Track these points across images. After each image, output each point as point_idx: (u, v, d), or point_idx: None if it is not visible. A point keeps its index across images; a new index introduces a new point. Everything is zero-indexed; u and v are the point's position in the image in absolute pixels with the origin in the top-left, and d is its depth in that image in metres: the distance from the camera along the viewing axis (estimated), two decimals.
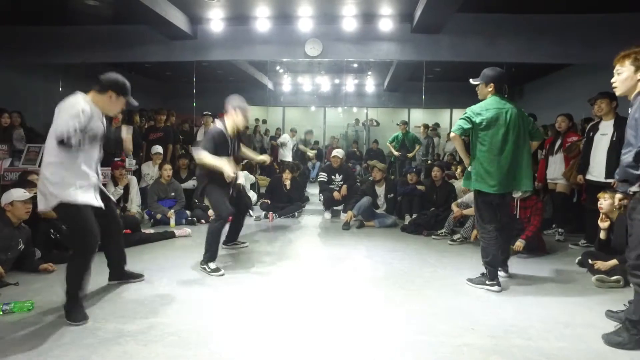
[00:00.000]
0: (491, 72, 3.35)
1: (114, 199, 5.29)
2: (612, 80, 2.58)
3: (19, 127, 6.80)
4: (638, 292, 2.40)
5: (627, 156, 2.38)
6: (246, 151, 4.31)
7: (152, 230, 4.98)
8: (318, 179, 6.60)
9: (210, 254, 3.68)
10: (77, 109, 2.61)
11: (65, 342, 2.36)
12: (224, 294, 3.15)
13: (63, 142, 2.51)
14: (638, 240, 2.39)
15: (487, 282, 3.31)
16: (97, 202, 2.84)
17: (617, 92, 2.58)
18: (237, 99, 3.89)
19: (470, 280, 3.44)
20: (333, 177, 6.40)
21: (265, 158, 4.53)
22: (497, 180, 3.22)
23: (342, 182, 6.34)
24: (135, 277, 3.37)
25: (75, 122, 2.56)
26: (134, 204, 5.72)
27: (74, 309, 2.66)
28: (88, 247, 2.73)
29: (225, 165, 3.57)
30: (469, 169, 3.38)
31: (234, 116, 3.83)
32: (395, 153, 8.73)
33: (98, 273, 3.54)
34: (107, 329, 2.53)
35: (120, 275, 3.30)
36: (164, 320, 2.67)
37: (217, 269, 3.61)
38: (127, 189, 5.66)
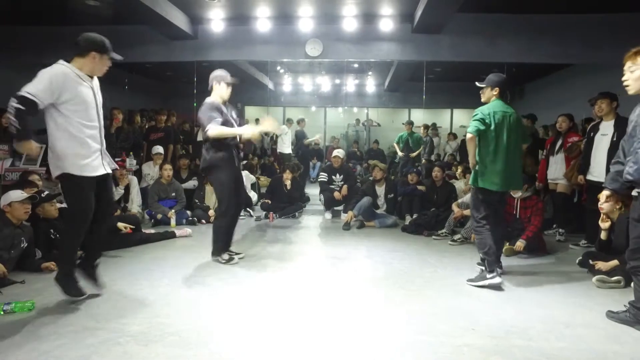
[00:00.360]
0: (497, 77, 3.53)
1: (114, 198, 5.35)
2: (624, 78, 2.48)
3: None
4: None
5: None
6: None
7: (152, 231, 4.98)
8: (318, 179, 6.61)
9: (220, 245, 3.80)
10: (44, 76, 2.62)
11: (66, 342, 2.36)
12: (224, 294, 3.15)
13: (17, 100, 2.52)
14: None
15: (487, 276, 3.34)
16: (99, 170, 2.82)
17: (630, 91, 2.48)
18: (219, 72, 3.89)
19: (470, 280, 3.45)
20: (333, 177, 6.40)
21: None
22: (501, 178, 3.37)
23: (342, 183, 6.34)
24: (98, 284, 3.01)
25: (35, 86, 2.57)
26: (135, 204, 5.73)
27: (69, 284, 2.79)
28: (78, 218, 2.77)
29: (244, 129, 3.68)
30: (476, 168, 3.44)
31: (219, 89, 3.83)
32: (400, 153, 8.78)
33: (102, 274, 3.56)
34: (108, 328, 2.53)
35: (87, 270, 2.99)
36: (164, 320, 2.67)
37: (231, 259, 3.78)
38: (127, 189, 5.67)
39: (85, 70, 2.81)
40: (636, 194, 2.53)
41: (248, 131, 3.72)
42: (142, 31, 7.39)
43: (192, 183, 6.33)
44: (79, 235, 2.82)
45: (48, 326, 2.55)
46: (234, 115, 3.93)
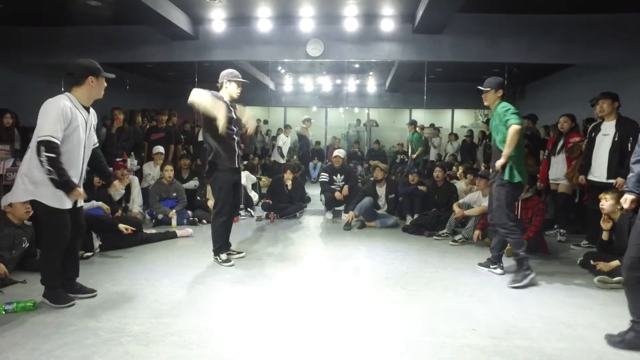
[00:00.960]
0: (499, 80, 3.63)
1: (115, 199, 5.37)
2: None
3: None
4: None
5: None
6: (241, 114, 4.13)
7: (153, 231, 4.98)
8: (319, 180, 6.61)
9: (219, 245, 3.85)
10: (53, 113, 2.62)
11: (67, 341, 2.37)
12: (225, 294, 3.16)
13: (44, 148, 2.57)
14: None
15: (529, 275, 3.39)
16: (70, 204, 2.81)
17: None
18: (231, 70, 3.92)
19: (515, 282, 3.39)
20: (334, 177, 6.40)
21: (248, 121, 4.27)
22: (525, 173, 3.59)
23: (343, 183, 6.34)
24: (87, 292, 3.05)
25: (52, 127, 2.60)
26: (136, 204, 5.73)
27: (56, 295, 2.82)
28: (55, 245, 2.81)
29: (221, 109, 3.52)
30: (509, 163, 3.45)
31: (230, 87, 3.87)
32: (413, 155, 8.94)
33: (102, 274, 3.56)
34: (109, 328, 2.54)
35: (69, 288, 2.98)
36: (166, 320, 2.67)
37: (227, 260, 3.81)
38: (128, 189, 5.67)
39: (84, 98, 2.82)
40: None
41: (221, 112, 3.53)
42: (143, 31, 7.39)
43: (193, 183, 6.33)
44: (56, 258, 2.83)
45: (50, 326, 2.55)
46: (237, 116, 3.96)
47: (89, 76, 2.79)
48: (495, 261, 3.81)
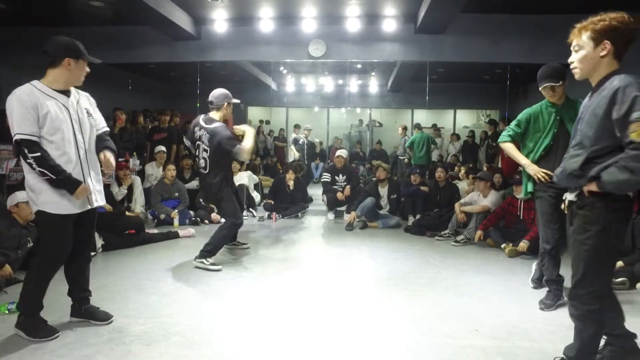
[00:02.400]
0: (561, 67, 3.03)
1: (117, 198, 5.38)
2: (570, 59, 2.11)
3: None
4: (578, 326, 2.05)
5: (573, 161, 1.88)
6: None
7: (155, 231, 4.99)
8: (321, 180, 6.61)
9: (211, 251, 3.72)
10: (12, 104, 2.26)
11: (71, 341, 2.38)
12: (227, 295, 3.16)
13: (26, 149, 2.25)
14: (579, 263, 1.93)
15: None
16: (84, 206, 2.44)
17: (577, 75, 2.02)
18: (227, 93, 3.92)
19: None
20: (336, 177, 6.40)
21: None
22: None
23: (345, 183, 6.34)
24: (101, 319, 2.62)
25: (18, 124, 2.24)
26: (138, 204, 5.74)
27: (34, 326, 2.40)
28: (49, 259, 2.43)
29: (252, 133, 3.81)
30: None
31: (225, 110, 3.90)
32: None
33: (105, 274, 3.57)
34: (111, 328, 2.54)
35: (78, 311, 2.65)
36: (168, 320, 2.67)
37: (215, 264, 3.69)
38: (131, 189, 5.69)
39: (59, 83, 2.39)
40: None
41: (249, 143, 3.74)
42: (145, 32, 7.41)
43: (195, 183, 6.34)
44: (47, 278, 2.45)
45: (53, 324, 2.55)
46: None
47: (65, 57, 2.35)
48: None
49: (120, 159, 6.06)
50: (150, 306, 2.89)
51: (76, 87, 2.52)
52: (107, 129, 2.70)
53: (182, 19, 6.89)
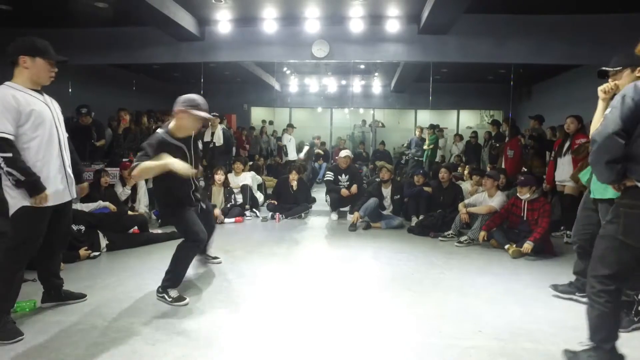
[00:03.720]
0: (630, 53, 2.37)
1: (121, 199, 5.40)
2: None
3: None
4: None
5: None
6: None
7: (159, 231, 5.01)
8: (325, 179, 6.60)
9: (173, 280, 3.00)
10: (7, 106, 2.30)
11: (75, 340, 2.39)
12: (231, 295, 3.17)
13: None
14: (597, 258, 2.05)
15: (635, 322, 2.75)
16: (64, 197, 2.54)
17: None
18: (184, 98, 2.94)
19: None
20: (339, 177, 6.41)
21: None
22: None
23: (348, 183, 6.34)
24: (76, 297, 2.89)
25: (4, 120, 2.26)
26: (142, 204, 5.76)
27: (2, 327, 2.35)
28: (19, 251, 2.42)
29: (169, 160, 2.71)
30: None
31: (180, 120, 2.92)
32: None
33: (109, 274, 3.59)
34: (116, 327, 2.56)
35: (57, 295, 2.82)
36: (172, 319, 2.68)
37: (180, 298, 2.94)
38: (135, 189, 5.71)
39: (26, 82, 2.44)
40: None
41: (174, 165, 2.72)
42: (149, 33, 7.44)
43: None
44: (13, 276, 2.42)
45: (57, 324, 2.58)
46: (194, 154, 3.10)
47: (19, 55, 2.39)
48: (584, 288, 2.83)
49: (124, 159, 6.10)
50: (154, 306, 2.90)
51: (44, 86, 2.57)
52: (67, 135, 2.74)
53: (185, 20, 6.92)
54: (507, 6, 6.67)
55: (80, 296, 2.93)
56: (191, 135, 3.04)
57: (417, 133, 9.69)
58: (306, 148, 10.14)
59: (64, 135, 2.64)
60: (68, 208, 2.71)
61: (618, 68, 2.55)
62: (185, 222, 3.01)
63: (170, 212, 3.10)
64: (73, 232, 3.96)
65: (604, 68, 2.60)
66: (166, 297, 2.94)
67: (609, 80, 2.58)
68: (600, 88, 2.56)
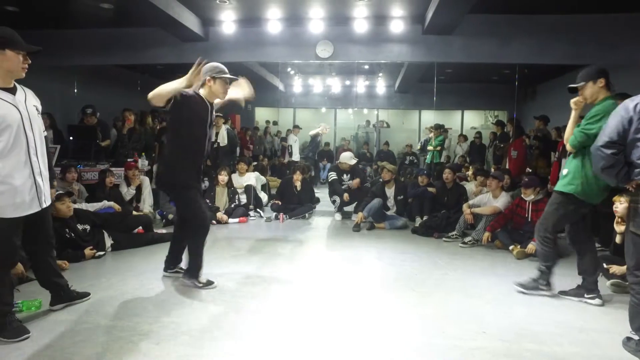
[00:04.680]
0: (595, 68, 3.01)
1: (126, 199, 5.43)
2: None
3: None
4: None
5: None
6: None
7: (163, 231, 5.02)
8: (329, 179, 6.60)
9: (194, 268, 3.22)
10: None
11: (81, 339, 2.40)
12: (235, 295, 3.17)
13: None
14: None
15: (541, 290, 3.21)
16: (32, 208, 2.35)
17: None
18: (214, 66, 3.15)
19: (522, 285, 3.26)
20: (342, 177, 6.42)
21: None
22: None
23: (350, 182, 6.35)
24: (82, 296, 2.88)
25: None
26: (146, 204, 5.79)
27: (4, 327, 2.34)
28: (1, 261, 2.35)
29: (183, 79, 2.88)
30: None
31: (210, 87, 3.13)
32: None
33: (114, 273, 3.61)
34: (121, 327, 2.57)
35: (66, 296, 2.79)
36: (176, 319, 2.69)
37: (209, 282, 3.20)
38: (139, 189, 5.73)
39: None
40: None
41: (185, 78, 2.92)
42: (154, 33, 7.47)
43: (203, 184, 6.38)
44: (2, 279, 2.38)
45: (63, 323, 2.59)
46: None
47: None
48: (591, 288, 3.08)
49: (129, 159, 6.12)
50: (158, 305, 2.91)
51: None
52: (46, 133, 2.61)
53: (190, 21, 6.94)
54: (512, 6, 6.65)
55: (85, 295, 2.93)
56: (212, 103, 3.22)
57: (431, 135, 9.66)
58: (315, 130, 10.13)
59: (38, 138, 2.39)
60: (44, 216, 2.51)
61: (582, 83, 3.03)
62: (191, 205, 3.12)
63: (177, 195, 3.22)
64: (78, 232, 3.98)
65: (571, 85, 3.11)
66: (196, 283, 3.18)
67: (579, 94, 3.05)
68: (572, 101, 3.11)
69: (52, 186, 2.71)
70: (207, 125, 3.16)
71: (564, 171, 3.04)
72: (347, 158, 6.47)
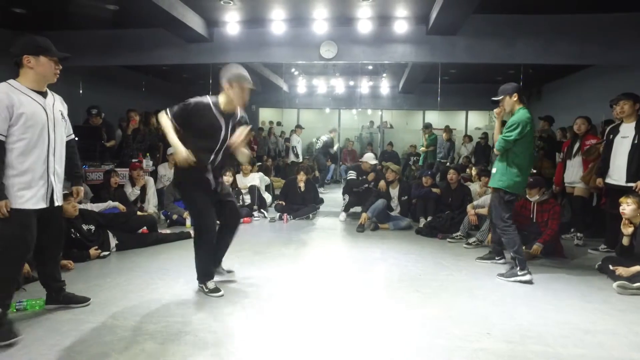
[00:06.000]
0: (511, 84, 3.69)
1: (130, 199, 5.45)
2: None
3: None
4: None
5: None
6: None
7: (168, 231, 5.05)
8: (348, 177, 6.58)
9: (201, 274, 3.16)
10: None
11: (86, 338, 2.41)
12: (239, 295, 3.18)
13: None
14: None
15: (518, 273, 3.55)
16: (40, 204, 2.48)
17: None
18: (233, 69, 3.03)
19: (501, 275, 3.65)
20: (362, 178, 6.39)
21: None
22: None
23: (372, 183, 6.29)
24: (79, 301, 2.85)
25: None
26: (151, 205, 5.82)
27: None
28: (9, 260, 2.41)
29: (179, 148, 2.83)
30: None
31: (228, 91, 2.99)
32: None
33: (119, 273, 3.63)
34: (126, 327, 2.58)
35: (58, 298, 2.80)
36: (180, 319, 2.70)
37: (216, 289, 3.12)
38: (144, 189, 5.76)
39: (29, 82, 2.46)
40: None
41: (178, 151, 2.85)
42: (158, 34, 7.50)
43: None
44: (9, 275, 2.44)
45: (69, 323, 2.61)
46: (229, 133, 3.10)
47: (23, 55, 2.43)
48: (498, 253, 4.06)
49: (133, 160, 6.15)
50: (163, 305, 2.92)
51: (51, 85, 2.60)
52: (73, 136, 2.81)
53: (194, 22, 6.96)
54: (516, 6, 6.62)
55: (83, 300, 2.86)
56: (234, 113, 3.09)
57: (444, 135, 9.62)
58: (323, 139, 10.16)
59: (59, 142, 2.58)
60: (55, 214, 2.65)
61: (501, 97, 3.67)
62: (195, 207, 3.12)
63: (182, 192, 3.28)
64: (83, 232, 4.01)
65: (493, 98, 3.73)
66: (204, 288, 3.16)
67: (499, 105, 3.71)
68: (494, 111, 3.78)
69: (79, 183, 2.93)
70: (219, 137, 3.00)
71: (493, 170, 3.73)
72: (370, 158, 6.50)
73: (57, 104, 2.62)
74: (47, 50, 2.49)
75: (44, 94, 2.54)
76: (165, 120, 2.92)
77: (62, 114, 2.64)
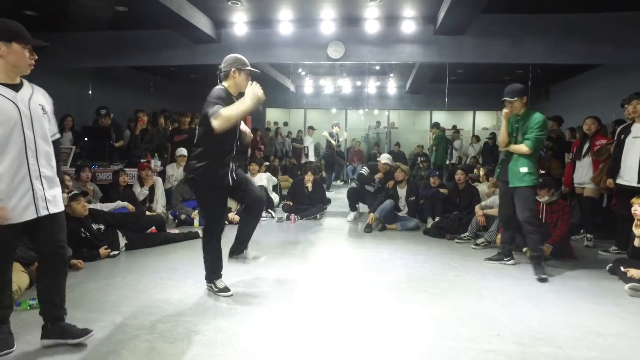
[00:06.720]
0: (520, 86, 3.79)
1: (139, 199, 5.49)
2: None
3: None
4: None
5: None
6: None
7: (176, 231, 5.08)
8: (360, 171, 6.57)
9: (209, 273, 3.17)
10: None
11: (97, 336, 2.43)
12: (247, 295, 3.19)
13: None
14: None
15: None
16: (26, 215, 2.10)
17: None
18: (237, 58, 3.08)
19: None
20: (374, 176, 6.37)
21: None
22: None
23: (380, 185, 6.27)
24: (77, 334, 2.30)
25: None
26: (159, 205, 5.85)
27: None
28: None
29: (249, 95, 2.79)
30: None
31: (234, 78, 3.02)
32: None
33: (128, 273, 3.65)
34: (136, 325, 2.60)
35: (53, 332, 2.31)
36: (190, 319, 2.72)
37: (225, 289, 3.12)
38: (152, 189, 5.80)
39: (2, 74, 2.09)
40: None
41: (254, 94, 2.82)
42: (167, 35, 7.55)
43: None
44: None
45: (79, 321, 2.61)
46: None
47: None
48: (507, 255, 4.09)
49: (142, 160, 6.19)
50: (173, 305, 2.94)
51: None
52: (59, 136, 2.40)
53: (202, 22, 7.00)
54: (524, 6, 6.58)
55: (84, 333, 2.32)
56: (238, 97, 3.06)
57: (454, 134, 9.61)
58: (325, 134, 10.15)
59: (41, 140, 2.16)
60: (49, 224, 2.20)
61: (516, 99, 3.72)
62: (208, 209, 3.15)
63: (198, 192, 3.12)
64: (93, 231, 4.05)
65: (505, 99, 3.74)
66: (213, 287, 3.16)
67: (508, 106, 3.76)
68: (503, 112, 3.82)
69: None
70: (238, 124, 3.02)
71: (524, 169, 3.72)
72: (386, 158, 6.49)
73: (36, 97, 2.20)
74: (20, 36, 2.09)
75: (15, 87, 2.13)
76: (225, 111, 2.73)
77: (43, 109, 2.20)
